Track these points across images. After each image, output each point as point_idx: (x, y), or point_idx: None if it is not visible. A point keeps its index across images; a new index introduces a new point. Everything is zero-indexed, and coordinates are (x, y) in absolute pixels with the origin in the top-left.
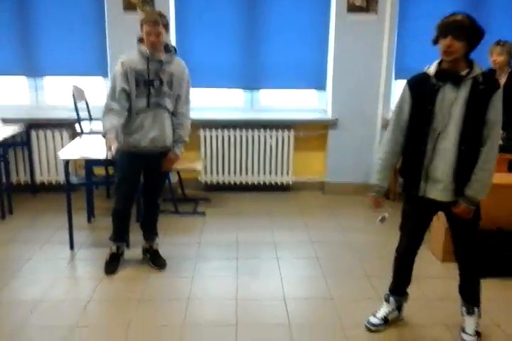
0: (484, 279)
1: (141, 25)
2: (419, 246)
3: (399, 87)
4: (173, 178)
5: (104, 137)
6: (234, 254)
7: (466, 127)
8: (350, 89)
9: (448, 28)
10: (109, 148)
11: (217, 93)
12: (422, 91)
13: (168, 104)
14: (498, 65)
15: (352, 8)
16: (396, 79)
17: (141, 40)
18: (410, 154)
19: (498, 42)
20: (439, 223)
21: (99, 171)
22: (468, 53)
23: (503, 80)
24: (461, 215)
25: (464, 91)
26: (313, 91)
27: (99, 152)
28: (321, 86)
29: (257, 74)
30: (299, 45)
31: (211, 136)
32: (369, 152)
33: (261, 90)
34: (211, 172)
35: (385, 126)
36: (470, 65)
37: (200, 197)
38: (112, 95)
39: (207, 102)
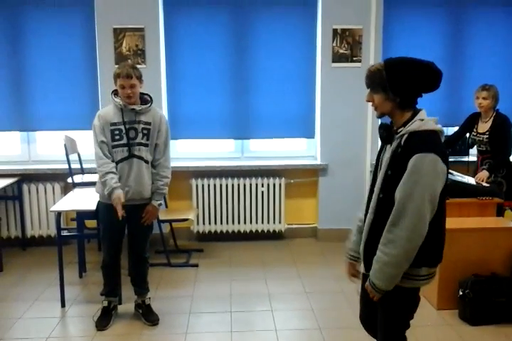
0: (478, 327)
1: (115, 79)
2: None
3: None
4: (165, 229)
5: (109, 196)
6: (228, 307)
7: (380, 194)
8: (338, 136)
9: (365, 81)
10: (116, 206)
11: (208, 141)
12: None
13: (146, 154)
14: (483, 108)
15: (337, 57)
16: None
17: (115, 93)
18: (364, 220)
19: (483, 87)
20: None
21: (91, 224)
22: (404, 104)
23: (488, 124)
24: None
25: (388, 153)
26: (303, 139)
27: (91, 204)
28: (309, 134)
29: (246, 124)
30: (287, 95)
31: (203, 185)
32: (360, 197)
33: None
34: (203, 222)
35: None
36: (395, 115)
37: (193, 248)
38: (99, 148)
39: (198, 151)
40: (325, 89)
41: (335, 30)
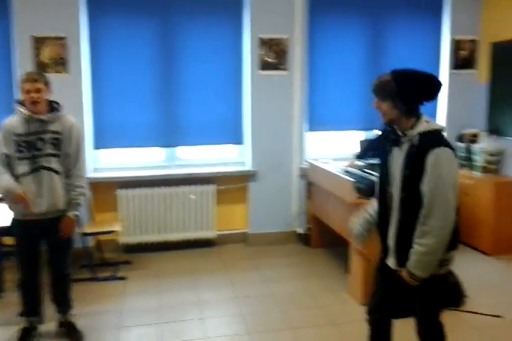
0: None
1: (21, 85)
2: (390, 312)
3: (312, 139)
4: (91, 242)
5: (7, 196)
6: (158, 319)
7: (403, 193)
8: (267, 142)
9: (373, 90)
10: (23, 202)
11: (135, 150)
12: (383, 154)
13: (56, 165)
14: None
15: (264, 65)
16: (310, 131)
17: (21, 103)
18: (379, 219)
19: None
20: (358, 267)
21: (9, 241)
22: (410, 111)
23: None
24: (408, 282)
25: (402, 154)
26: (231, 145)
27: (7, 220)
28: (238, 140)
29: (175, 132)
30: (216, 102)
31: (130, 195)
32: (288, 201)
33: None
34: (131, 233)
35: (301, 175)
36: (415, 123)
37: (120, 261)
38: None
39: (125, 161)
40: (253, 96)
41: (262, 39)
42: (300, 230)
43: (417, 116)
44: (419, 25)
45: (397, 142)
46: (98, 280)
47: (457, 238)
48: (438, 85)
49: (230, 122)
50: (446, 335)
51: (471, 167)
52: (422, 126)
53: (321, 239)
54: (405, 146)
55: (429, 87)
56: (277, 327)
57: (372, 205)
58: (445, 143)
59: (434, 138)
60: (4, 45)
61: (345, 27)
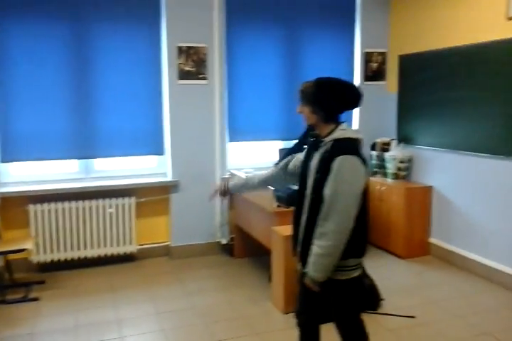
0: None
1: None
2: (313, 316)
3: (233, 149)
4: (0, 262)
5: None
6: (74, 340)
7: (312, 195)
8: (188, 152)
9: (299, 95)
10: None
11: (48, 163)
12: (305, 157)
13: None
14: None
15: (183, 74)
16: (230, 141)
17: None
18: (294, 222)
19: None
20: (280, 276)
21: None
22: (328, 118)
23: None
24: (308, 286)
25: (317, 158)
26: (152, 156)
27: None
28: (159, 151)
29: (91, 143)
30: (134, 112)
31: (42, 211)
32: (211, 211)
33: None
34: (44, 251)
35: None
36: (332, 130)
37: (33, 280)
38: None
39: (36, 174)
40: (173, 106)
41: (180, 48)
42: (223, 241)
43: (337, 124)
44: (334, 38)
45: (316, 146)
46: (7, 302)
47: (363, 247)
48: (358, 96)
49: (149, 132)
50: (367, 337)
51: (384, 174)
52: (337, 134)
53: (245, 248)
54: (320, 151)
55: (348, 96)
56: (200, 340)
57: (260, 174)
58: (353, 152)
59: (343, 146)
60: None
61: (263, 37)
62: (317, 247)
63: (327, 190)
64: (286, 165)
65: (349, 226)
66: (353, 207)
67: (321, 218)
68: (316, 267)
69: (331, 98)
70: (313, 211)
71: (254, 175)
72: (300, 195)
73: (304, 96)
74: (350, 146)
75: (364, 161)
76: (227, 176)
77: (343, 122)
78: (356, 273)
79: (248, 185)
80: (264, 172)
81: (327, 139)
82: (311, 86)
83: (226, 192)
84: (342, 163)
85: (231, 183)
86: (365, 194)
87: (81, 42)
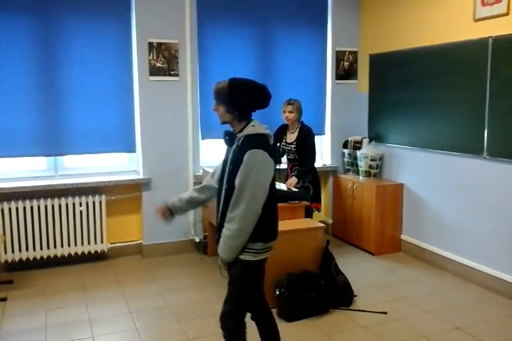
0: (294, 322)
1: None
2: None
3: (206, 146)
4: None
5: None
6: None
7: (226, 186)
8: (160, 149)
9: (213, 94)
10: None
11: (15, 160)
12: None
13: None
14: (289, 121)
15: (154, 71)
16: (203, 138)
17: None
18: (216, 211)
19: (288, 101)
20: None
21: None
22: (241, 116)
23: (295, 134)
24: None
25: (231, 153)
26: (122, 154)
27: None
28: (130, 148)
29: (59, 140)
30: (104, 109)
31: (10, 209)
32: None
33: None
34: (12, 250)
35: (197, 182)
36: (234, 124)
37: (1, 280)
38: None
39: (2, 171)
40: (144, 102)
41: (150, 44)
42: (197, 239)
43: (248, 121)
44: (306, 36)
45: (231, 143)
46: None
47: (271, 232)
48: (267, 96)
49: (120, 129)
50: (242, 335)
51: (356, 172)
52: (248, 130)
53: None
54: (234, 146)
55: (258, 97)
56: (173, 339)
57: (193, 189)
58: (261, 146)
59: (253, 141)
60: None
61: (235, 34)
62: (226, 230)
63: (237, 180)
64: (213, 174)
65: (256, 213)
66: (260, 195)
67: (231, 204)
68: (223, 247)
69: (242, 98)
70: (227, 200)
71: (189, 192)
72: (219, 187)
73: (217, 97)
74: (259, 141)
75: (272, 154)
76: (200, 173)
77: (253, 120)
78: (263, 257)
79: (192, 200)
80: (197, 187)
81: (239, 135)
82: (224, 87)
83: (166, 213)
84: (251, 155)
85: (170, 203)
86: (274, 185)
87: (48, 37)
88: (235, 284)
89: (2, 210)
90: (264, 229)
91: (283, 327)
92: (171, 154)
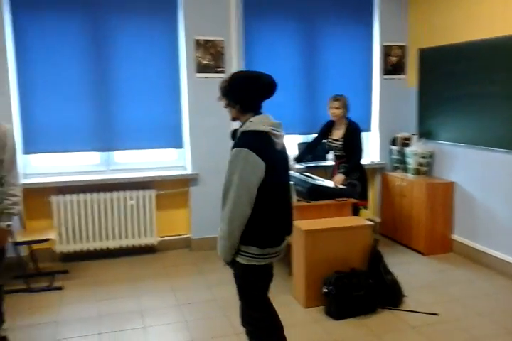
0: (342, 321)
1: None
2: None
3: None
4: (24, 251)
5: None
6: (97, 329)
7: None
8: (207, 145)
9: (219, 92)
10: None
11: (69, 155)
12: None
13: None
14: (336, 117)
15: (201, 68)
16: None
17: None
18: None
19: (335, 97)
20: (300, 269)
21: None
22: (244, 109)
23: (341, 131)
24: None
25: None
26: (172, 149)
27: None
28: (178, 144)
29: (111, 135)
30: (153, 105)
31: (65, 202)
32: None
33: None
34: (67, 241)
35: None
36: (240, 119)
37: (57, 270)
38: None
39: (58, 165)
40: (192, 99)
41: (197, 41)
42: None
43: (255, 115)
44: (351, 32)
45: (234, 139)
46: (32, 291)
47: (266, 237)
48: (270, 85)
49: (169, 125)
50: (264, 337)
51: (405, 169)
52: (245, 126)
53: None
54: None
55: (258, 86)
56: (221, 332)
57: None
58: (248, 145)
59: (241, 139)
60: None
61: (281, 31)
62: (219, 230)
63: (224, 180)
64: None
65: (242, 215)
66: (245, 196)
67: (222, 205)
68: (218, 247)
69: (242, 90)
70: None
71: None
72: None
73: (221, 92)
74: (246, 139)
75: (261, 153)
76: None
77: (259, 115)
78: (259, 263)
79: None
80: None
81: (238, 131)
82: (225, 81)
83: None
84: (235, 155)
85: None
86: (274, 187)
87: (100, 35)
88: (236, 286)
89: (58, 203)
90: (258, 233)
91: (330, 325)
92: (218, 151)
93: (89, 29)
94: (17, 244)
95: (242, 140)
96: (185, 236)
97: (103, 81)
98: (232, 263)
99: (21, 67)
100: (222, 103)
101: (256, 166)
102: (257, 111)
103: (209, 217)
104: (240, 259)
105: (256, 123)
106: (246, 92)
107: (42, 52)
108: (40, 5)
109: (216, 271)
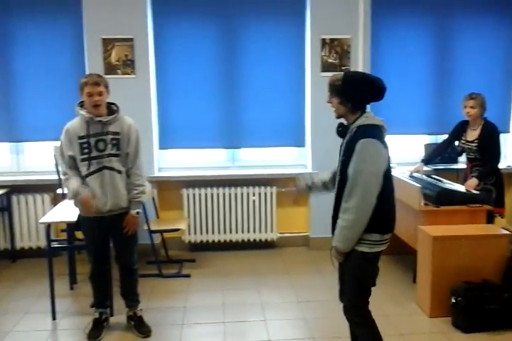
0: (471, 334)
1: (81, 89)
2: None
3: None
4: (157, 239)
5: (75, 198)
6: (221, 318)
7: (340, 176)
8: (328, 144)
9: (328, 87)
10: (87, 206)
11: (198, 151)
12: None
13: (117, 165)
14: (471, 117)
15: (326, 67)
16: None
17: (81, 105)
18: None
19: (470, 96)
20: (426, 277)
21: (81, 235)
22: (354, 108)
23: (477, 132)
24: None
25: (344, 144)
26: (293, 148)
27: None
28: (300, 143)
29: (237, 133)
30: (277, 104)
31: (194, 195)
32: None
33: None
34: (195, 232)
35: None
36: (347, 116)
37: (185, 258)
38: (65, 163)
39: (188, 160)
40: (314, 98)
41: (323, 40)
42: None
43: (362, 113)
44: (489, 26)
45: (343, 134)
46: (164, 276)
47: (387, 223)
48: (382, 88)
49: (292, 124)
50: (371, 323)
51: None
52: (361, 121)
53: (388, 246)
54: (347, 137)
55: (372, 89)
56: (341, 333)
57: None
58: (373, 135)
59: (365, 131)
60: (78, 46)
61: (410, 27)
62: (341, 220)
63: (350, 170)
64: None
65: (371, 203)
66: (374, 184)
67: (345, 195)
68: (339, 238)
69: (357, 91)
70: (340, 190)
71: (327, 175)
72: (335, 179)
73: (332, 89)
74: (371, 131)
75: (384, 144)
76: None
77: (367, 112)
78: (379, 249)
79: (326, 185)
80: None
81: (352, 126)
82: (338, 79)
83: (303, 189)
84: (363, 145)
85: (311, 182)
86: (389, 175)
87: (229, 36)
88: (351, 277)
89: (188, 196)
90: (381, 220)
91: (458, 337)
92: (337, 150)
93: (220, 32)
94: (151, 232)
95: (366, 132)
96: (303, 234)
97: (231, 81)
98: (347, 255)
99: (159, 67)
100: (328, 98)
101: (383, 155)
102: (364, 110)
103: (328, 217)
104: (361, 248)
105: (371, 118)
106: (362, 93)
107: (178, 54)
108: (176, 10)
109: (335, 272)
